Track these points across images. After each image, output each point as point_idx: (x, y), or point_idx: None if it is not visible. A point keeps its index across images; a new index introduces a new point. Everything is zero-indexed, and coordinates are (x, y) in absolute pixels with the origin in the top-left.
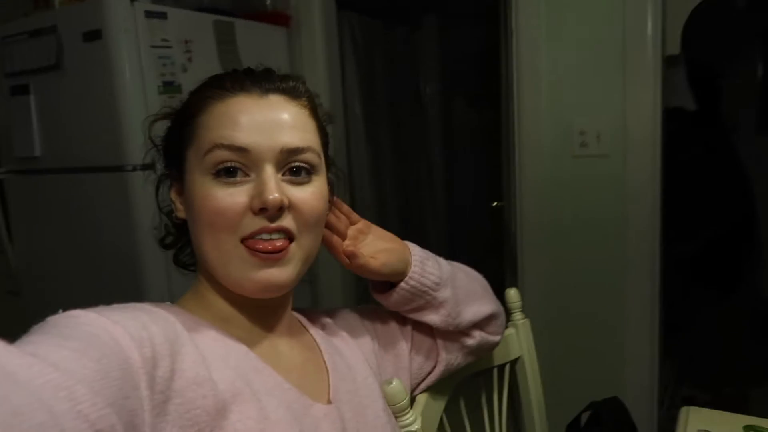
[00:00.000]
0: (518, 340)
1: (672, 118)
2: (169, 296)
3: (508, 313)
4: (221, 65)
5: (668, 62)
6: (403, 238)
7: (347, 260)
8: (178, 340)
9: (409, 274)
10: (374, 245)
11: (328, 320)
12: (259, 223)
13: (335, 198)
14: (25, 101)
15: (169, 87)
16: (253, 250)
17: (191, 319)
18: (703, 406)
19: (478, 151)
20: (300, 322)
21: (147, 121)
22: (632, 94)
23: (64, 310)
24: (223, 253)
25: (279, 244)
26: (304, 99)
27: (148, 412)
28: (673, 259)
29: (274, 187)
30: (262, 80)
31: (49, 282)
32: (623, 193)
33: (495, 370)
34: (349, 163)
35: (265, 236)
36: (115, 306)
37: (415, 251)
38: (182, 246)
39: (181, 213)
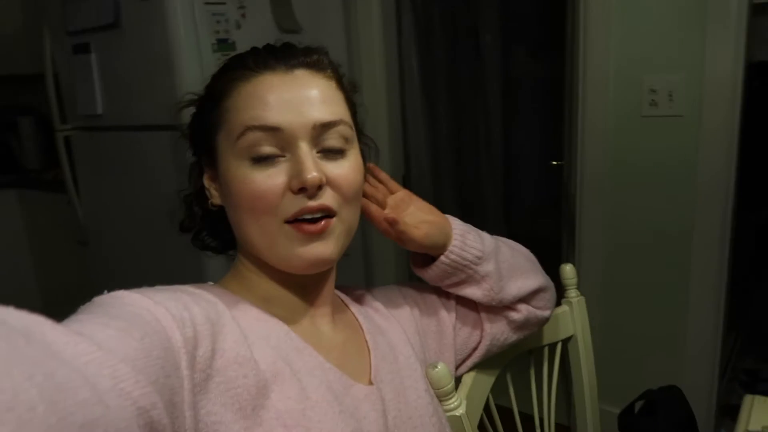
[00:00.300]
0: (572, 318)
1: (758, 74)
2: None
3: (563, 289)
4: (275, 21)
5: (756, 10)
6: (457, 196)
7: (388, 227)
8: (220, 321)
9: (450, 247)
10: (416, 216)
11: (370, 298)
12: (300, 203)
13: (371, 165)
14: (86, 60)
15: (223, 44)
16: (297, 228)
17: (233, 300)
18: (766, 380)
19: (539, 107)
20: (342, 301)
21: (174, 109)
22: (712, 46)
23: (126, 265)
24: (268, 235)
25: (320, 227)
26: (329, 71)
27: (187, 390)
28: (743, 226)
29: (312, 165)
30: (285, 56)
31: (113, 233)
32: (695, 157)
33: (546, 349)
34: (404, 119)
35: (307, 216)
36: (159, 287)
37: (456, 225)
38: (199, 229)
39: (216, 199)
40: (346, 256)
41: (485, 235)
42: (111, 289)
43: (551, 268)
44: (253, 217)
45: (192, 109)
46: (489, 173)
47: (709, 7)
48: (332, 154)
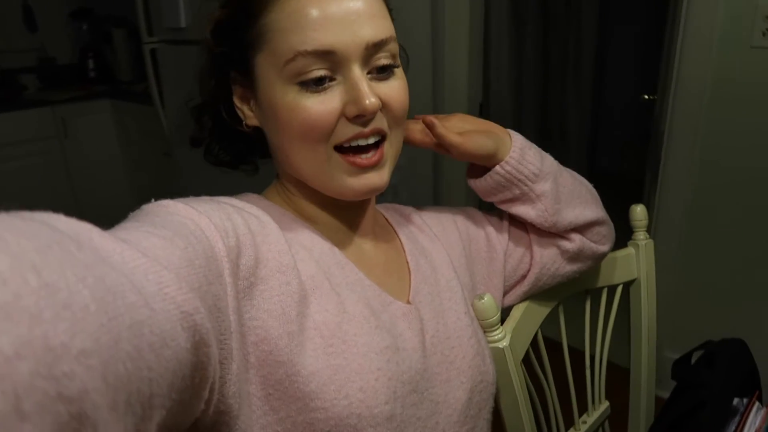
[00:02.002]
0: (637, 261)
1: None
2: None
3: (631, 231)
4: None
5: None
6: (539, 126)
7: (423, 137)
8: (263, 230)
9: (506, 158)
10: (459, 126)
11: (417, 218)
12: (354, 129)
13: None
14: None
15: None
16: (350, 161)
17: (280, 211)
18: None
19: (637, 31)
20: (387, 220)
21: (205, 21)
22: None
23: (207, 179)
24: (318, 164)
25: (375, 158)
26: None
27: (231, 296)
28: None
29: (369, 90)
30: None
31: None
32: None
33: (605, 291)
34: (486, 37)
35: (361, 141)
36: (203, 197)
37: (517, 138)
38: (210, 143)
39: (251, 120)
40: (427, 185)
41: (548, 156)
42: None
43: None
44: (304, 145)
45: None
46: (576, 102)
47: None
48: (383, 74)
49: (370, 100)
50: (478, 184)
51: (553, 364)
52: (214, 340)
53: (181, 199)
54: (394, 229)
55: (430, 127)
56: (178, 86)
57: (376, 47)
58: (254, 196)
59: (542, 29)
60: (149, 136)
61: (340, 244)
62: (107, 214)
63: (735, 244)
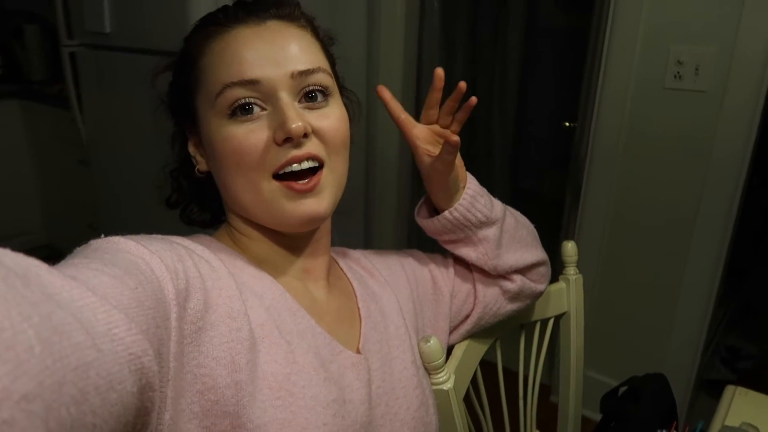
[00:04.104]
0: (567, 295)
1: None
2: None
3: (562, 266)
4: None
5: None
6: (464, 148)
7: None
8: (214, 275)
9: (455, 205)
10: None
11: (367, 263)
12: (287, 153)
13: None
14: None
15: None
16: (287, 186)
17: (231, 254)
18: (747, 359)
19: (560, 63)
20: (338, 264)
21: (150, 76)
22: (750, 21)
23: (126, 189)
24: (257, 192)
25: (312, 184)
26: (302, 21)
27: (174, 342)
28: (753, 202)
29: (295, 115)
30: (256, 8)
31: (115, 154)
32: (713, 136)
33: (538, 324)
34: (419, 64)
35: (295, 167)
36: (155, 236)
37: (471, 185)
38: (187, 204)
39: (202, 165)
40: (339, 214)
41: (497, 202)
42: (109, 210)
43: (551, 231)
44: (240, 175)
45: (170, 79)
46: (500, 126)
47: None
48: (315, 104)
49: (296, 124)
50: (426, 224)
51: (489, 391)
52: (158, 385)
53: (132, 237)
54: (345, 275)
55: (466, 108)
56: (99, 93)
57: (302, 76)
58: (206, 238)
59: (471, 57)
60: (63, 142)
61: (292, 288)
62: (13, 225)
63: (646, 266)
